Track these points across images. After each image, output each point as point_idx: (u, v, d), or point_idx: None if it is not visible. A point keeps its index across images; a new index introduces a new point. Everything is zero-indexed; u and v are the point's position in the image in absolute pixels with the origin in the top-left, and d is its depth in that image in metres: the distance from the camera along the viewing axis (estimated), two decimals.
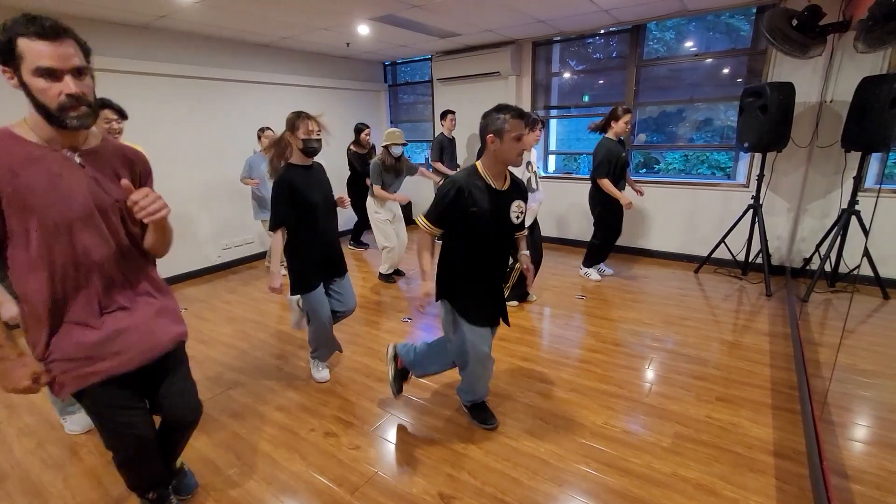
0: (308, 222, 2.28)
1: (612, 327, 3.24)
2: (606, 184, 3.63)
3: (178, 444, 1.67)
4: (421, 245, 1.93)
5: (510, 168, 1.94)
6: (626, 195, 3.66)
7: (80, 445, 2.13)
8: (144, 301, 1.40)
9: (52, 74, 1.10)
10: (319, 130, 2.25)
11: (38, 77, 1.09)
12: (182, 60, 4.28)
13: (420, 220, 1.90)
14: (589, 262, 4.20)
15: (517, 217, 1.95)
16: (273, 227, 2.23)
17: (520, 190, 1.99)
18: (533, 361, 2.79)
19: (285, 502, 1.78)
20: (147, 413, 1.47)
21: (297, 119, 2.20)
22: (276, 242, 2.25)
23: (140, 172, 1.41)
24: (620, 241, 4.90)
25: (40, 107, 1.13)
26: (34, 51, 1.08)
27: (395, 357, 2.26)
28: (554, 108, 5.43)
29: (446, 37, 4.77)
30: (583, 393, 2.44)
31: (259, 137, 4.25)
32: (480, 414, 2.20)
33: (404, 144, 3.95)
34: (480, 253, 1.92)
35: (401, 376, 2.27)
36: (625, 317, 3.40)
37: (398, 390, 2.27)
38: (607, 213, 3.84)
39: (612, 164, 3.62)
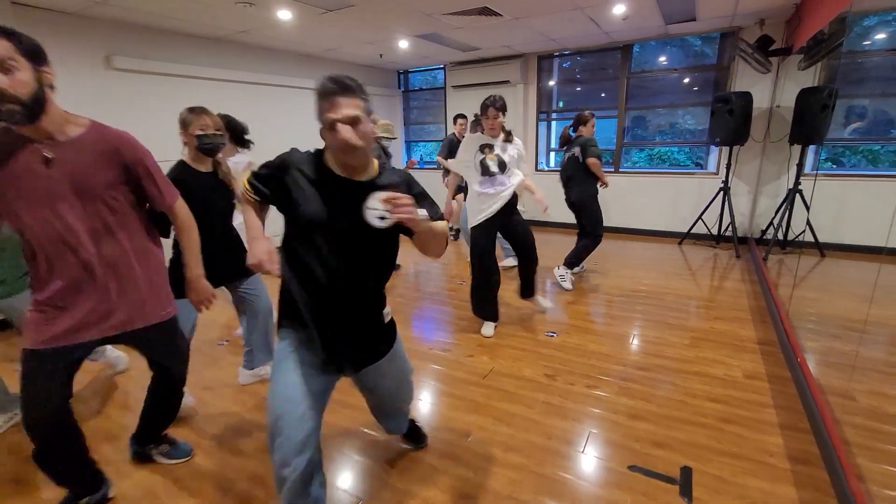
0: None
1: (623, 280, 4.15)
2: (598, 163, 3.74)
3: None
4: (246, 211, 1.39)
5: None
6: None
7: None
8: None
9: None
10: (218, 127, 2.04)
11: None
12: (240, 67, 4.87)
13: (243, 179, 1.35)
14: (576, 262, 4.01)
15: (381, 218, 1.21)
16: None
17: (395, 180, 1.35)
18: (572, 304, 3.64)
19: (432, 381, 2.51)
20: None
21: (189, 114, 1.98)
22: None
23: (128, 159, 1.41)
24: (615, 223, 5.87)
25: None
26: None
27: None
28: (555, 111, 6.37)
29: (468, 50, 5.59)
30: (617, 318, 3.31)
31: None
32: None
33: (394, 138, 4.35)
34: (312, 268, 1.28)
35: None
36: (631, 274, 4.32)
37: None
38: (590, 207, 3.92)
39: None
